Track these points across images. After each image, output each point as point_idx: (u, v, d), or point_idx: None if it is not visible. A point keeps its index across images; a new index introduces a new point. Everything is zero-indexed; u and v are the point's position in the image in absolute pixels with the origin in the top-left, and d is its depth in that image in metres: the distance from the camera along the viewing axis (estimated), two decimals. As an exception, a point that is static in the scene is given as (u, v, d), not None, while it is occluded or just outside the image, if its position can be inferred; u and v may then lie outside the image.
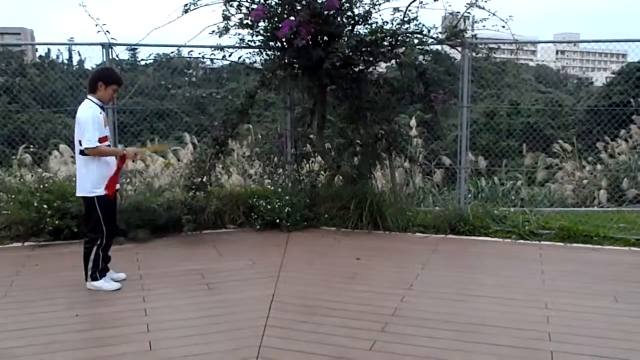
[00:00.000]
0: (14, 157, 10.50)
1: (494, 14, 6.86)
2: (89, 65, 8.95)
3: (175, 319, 4.68)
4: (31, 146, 10.97)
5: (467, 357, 3.96)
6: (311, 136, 8.08)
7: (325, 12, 6.91)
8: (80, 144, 5.09)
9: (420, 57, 7.43)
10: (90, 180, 5.13)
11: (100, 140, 5.10)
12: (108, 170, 5.19)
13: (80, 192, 5.25)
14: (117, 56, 7.44)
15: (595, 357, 3.95)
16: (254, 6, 7.03)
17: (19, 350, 4.12)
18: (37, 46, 58.20)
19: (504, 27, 6.83)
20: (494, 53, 7.55)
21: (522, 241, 7.02)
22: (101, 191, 5.15)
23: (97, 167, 5.12)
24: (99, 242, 5.22)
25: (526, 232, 7.13)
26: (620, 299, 5.10)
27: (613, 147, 11.50)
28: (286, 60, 7.23)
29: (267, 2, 7.04)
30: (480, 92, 20.49)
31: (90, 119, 5.04)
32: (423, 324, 4.55)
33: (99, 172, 5.13)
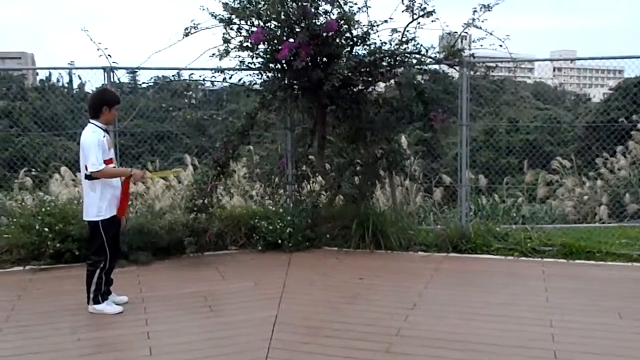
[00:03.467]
0: (15, 180, 10.52)
1: (490, 34, 6.93)
2: (89, 88, 8.98)
3: (178, 342, 4.67)
4: (32, 169, 11.00)
5: (473, 377, 3.95)
6: (311, 156, 8.10)
7: (324, 34, 6.97)
8: (86, 169, 5.12)
9: (419, 77, 7.47)
10: (95, 204, 5.15)
11: (105, 162, 5.12)
12: (112, 193, 5.21)
13: (86, 217, 5.26)
14: (118, 79, 7.49)
15: (601, 374, 3.93)
16: (254, 29, 7.08)
17: (21, 376, 4.11)
18: (37, 70, 58.59)
19: (501, 46, 6.90)
20: (492, 71, 7.60)
21: (524, 258, 7.01)
22: (106, 214, 5.16)
23: (102, 191, 5.14)
24: (102, 265, 5.22)
25: (528, 249, 7.12)
26: (625, 315, 5.08)
27: (612, 162, 11.52)
28: (286, 82, 7.27)
29: (267, 25, 7.09)
30: (479, 110, 20.62)
31: (94, 143, 5.07)
32: (427, 343, 4.53)
33: (103, 195, 5.15)
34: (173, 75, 8.62)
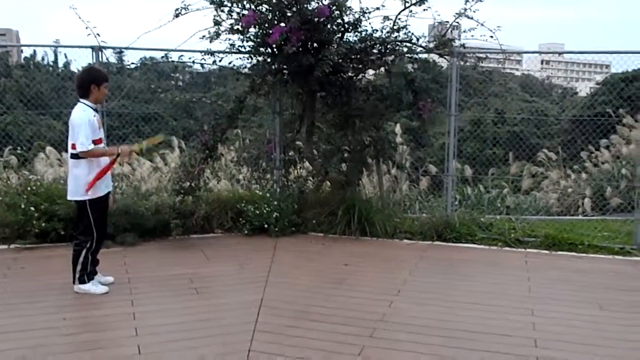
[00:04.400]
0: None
1: (482, 24, 6.97)
2: (75, 67, 8.89)
3: (164, 323, 4.69)
4: (17, 148, 10.90)
5: (455, 363, 4.01)
6: (299, 142, 8.11)
7: (316, 19, 6.95)
8: (74, 148, 5.09)
9: (409, 66, 7.49)
10: (82, 184, 5.12)
11: (95, 142, 5.10)
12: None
13: (72, 196, 5.24)
14: (107, 59, 7.44)
15: (580, 363, 4.01)
16: (245, 12, 7.05)
17: (6, 354, 4.10)
18: (23, 48, 57.81)
19: (492, 37, 6.93)
20: (482, 62, 7.64)
21: (507, 248, 7.09)
22: (94, 194, 5.14)
23: (89, 171, 5.12)
24: (88, 245, 5.21)
25: (512, 239, 7.21)
26: (605, 306, 5.18)
27: (597, 156, 11.65)
28: (276, 66, 7.26)
29: (258, 8, 7.07)
30: (467, 100, 20.67)
31: (84, 122, 5.04)
32: (411, 329, 4.59)
33: (90, 175, 5.12)
34: (162, 57, 8.53)
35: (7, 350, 4.15)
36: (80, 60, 7.89)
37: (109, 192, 5.42)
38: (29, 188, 7.02)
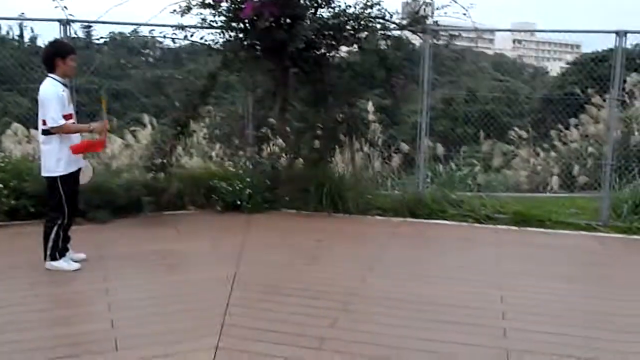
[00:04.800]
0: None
1: (455, 1, 6.99)
2: (42, 42, 8.69)
3: (137, 298, 4.68)
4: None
5: (426, 333, 4.08)
6: (272, 119, 8.09)
7: (289, -6, 6.91)
8: (44, 124, 5.01)
9: (382, 43, 7.50)
10: (53, 160, 5.06)
11: (65, 117, 5.02)
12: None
13: (43, 172, 5.17)
14: (75, 33, 7.30)
15: (548, 334, 4.11)
16: (218, -14, 6.97)
17: (-23, 330, 4.07)
18: (-13, 22, 56.14)
19: (465, 14, 6.96)
20: (454, 40, 7.68)
21: (478, 225, 7.22)
22: (65, 171, 5.08)
23: (60, 146, 5.05)
24: (59, 222, 5.16)
25: (482, 216, 7.33)
26: (572, 280, 5.31)
27: (566, 135, 11.84)
28: (249, 42, 7.20)
29: (231, -19, 6.99)
30: (439, 79, 20.77)
31: (53, 97, 4.95)
32: (383, 303, 4.65)
33: (61, 151, 5.05)
34: (132, 32, 8.39)
35: (-24, 327, 4.11)
36: (47, 35, 7.73)
37: (79, 169, 5.35)
38: (-4, 165, 6.90)
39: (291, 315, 4.35)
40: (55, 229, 5.16)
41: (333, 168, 8.03)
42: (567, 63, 33.05)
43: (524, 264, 5.77)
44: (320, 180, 7.53)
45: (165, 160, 7.20)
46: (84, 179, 5.41)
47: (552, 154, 11.46)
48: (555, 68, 40.78)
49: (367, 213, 7.49)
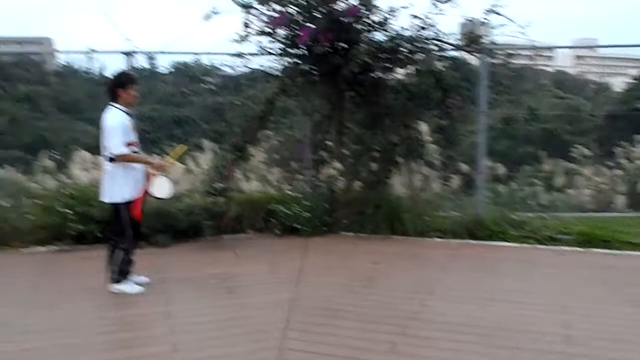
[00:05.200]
0: (36, 163, 10.68)
1: (511, 20, 6.90)
2: (109, 73, 9.05)
3: (197, 322, 4.75)
4: (53, 152, 11.16)
5: (487, 359, 3.98)
6: (329, 142, 8.14)
7: (344, 19, 6.98)
8: (108, 151, 5.20)
9: (438, 64, 7.46)
10: (117, 186, 5.23)
11: (128, 145, 5.21)
12: (134, 175, 5.29)
13: (107, 198, 5.35)
14: (138, 63, 7.58)
15: (616, 360, 3.96)
16: (274, 14, 7.11)
17: (43, 352, 4.21)
18: (57, 55, 58.81)
19: (522, 33, 6.85)
20: (512, 59, 7.57)
21: (540, 246, 7.02)
22: (128, 197, 5.24)
23: (124, 173, 5.22)
24: (123, 246, 5.32)
25: (544, 237, 7.13)
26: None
27: (632, 152, 11.44)
28: (305, 67, 7.30)
29: (287, 9, 7.12)
30: (498, 98, 20.45)
31: (116, 125, 5.15)
32: (443, 327, 4.57)
33: (125, 178, 5.23)
34: (195, 61, 8.65)
35: (44, 348, 4.26)
36: (114, 66, 8.04)
37: (142, 194, 5.50)
38: (64, 191, 7.18)
39: (349, 340, 4.32)
40: (119, 253, 5.32)
41: (390, 190, 7.98)
42: (632, 78, 31.98)
43: (589, 287, 5.57)
44: (378, 203, 7.51)
45: (224, 185, 7.33)
46: (161, 192, 5.50)
47: (617, 171, 11.07)
48: (618, 83, 39.52)
49: (425, 235, 7.41)
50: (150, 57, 8.72)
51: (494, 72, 7.86)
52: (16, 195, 8.37)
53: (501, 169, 10.66)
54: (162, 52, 7.68)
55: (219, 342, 4.34)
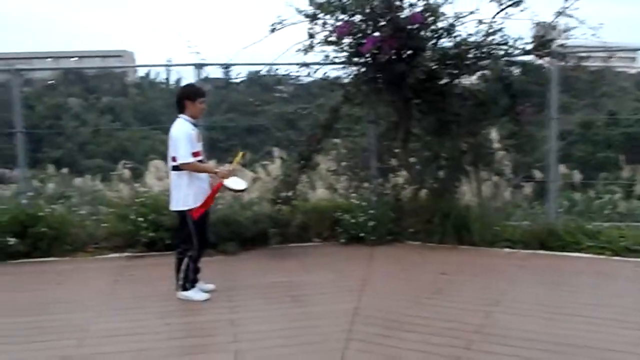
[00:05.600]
0: (114, 172, 11.14)
1: (582, 22, 6.64)
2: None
3: (261, 330, 4.81)
4: (130, 162, 11.61)
5: (554, 378, 3.84)
6: (396, 150, 8.07)
7: (409, 27, 6.92)
8: (174, 160, 5.36)
9: (506, 69, 7.26)
10: (182, 194, 5.38)
11: (194, 154, 5.34)
12: (199, 185, 5.42)
13: (173, 207, 5.51)
14: (206, 77, 7.77)
15: (695, 382, 3.72)
16: (339, 23, 7.13)
17: (112, 356, 4.38)
18: (137, 68, 61.36)
19: (593, 35, 6.58)
20: (586, 61, 7.28)
21: (617, 258, 6.69)
22: (193, 205, 5.38)
23: (189, 182, 5.36)
24: (190, 254, 5.45)
25: (621, 248, 6.78)
26: None
27: None
28: (370, 75, 7.28)
29: (351, 18, 7.13)
30: (576, 102, 19.73)
31: (183, 135, 5.29)
32: (509, 342, 4.43)
33: (190, 186, 5.36)
34: (267, 71, 8.79)
35: (114, 353, 4.42)
36: (189, 78, 8.21)
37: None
38: (137, 200, 7.44)
39: (411, 353, 4.27)
40: (186, 260, 5.46)
41: (458, 199, 7.83)
42: None
43: (670, 302, 5.27)
44: (445, 212, 7.37)
45: (290, 193, 7.39)
46: (237, 185, 5.58)
47: None
48: None
49: (494, 245, 7.20)
50: (226, 67, 8.92)
51: (569, 76, 7.58)
52: (94, 203, 8.77)
53: (577, 176, 10.24)
54: (230, 64, 7.85)
55: (281, 351, 4.38)
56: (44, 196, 8.81)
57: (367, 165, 8.21)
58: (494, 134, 8.17)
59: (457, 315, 5.01)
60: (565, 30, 7.00)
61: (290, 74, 8.10)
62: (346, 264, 6.76)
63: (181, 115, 5.43)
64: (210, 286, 5.76)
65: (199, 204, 5.40)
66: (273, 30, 7.31)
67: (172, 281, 5.61)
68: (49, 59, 64.17)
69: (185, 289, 5.51)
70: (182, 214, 5.43)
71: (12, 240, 6.95)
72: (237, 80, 10.14)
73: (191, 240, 5.44)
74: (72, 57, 66.33)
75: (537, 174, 9.49)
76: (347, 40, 7.22)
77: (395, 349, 4.34)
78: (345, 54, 7.35)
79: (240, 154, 5.77)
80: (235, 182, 5.58)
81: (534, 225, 7.37)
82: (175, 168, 5.37)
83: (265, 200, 8.03)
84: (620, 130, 19.72)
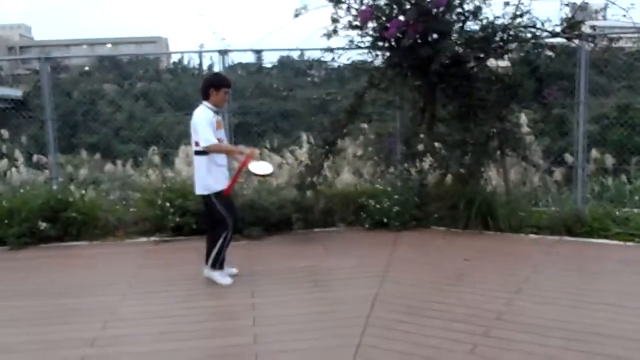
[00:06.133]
0: (145, 157, 11.33)
1: (613, 3, 6.47)
2: (217, 69, 9.36)
3: (280, 314, 4.85)
4: (161, 148, 11.78)
5: (573, 366, 3.79)
6: (421, 135, 8.00)
7: (434, 10, 6.83)
8: (197, 145, 5.42)
9: (534, 52, 7.12)
10: (203, 179, 5.45)
11: None
12: (218, 169, 5.48)
13: (197, 191, 5.58)
14: (232, 61, 7.82)
15: None
16: (363, 7, 7.08)
17: (137, 338, 4.49)
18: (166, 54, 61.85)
19: (624, 16, 6.41)
20: (616, 43, 7.09)
21: (645, 245, 6.56)
22: (214, 188, 5.43)
23: (208, 168, 5.42)
24: (224, 235, 5.52)
25: (651, 235, 6.64)
26: None
27: None
28: (395, 60, 7.22)
29: (376, 2, 7.06)
30: (611, 84, 19.21)
31: (203, 120, 5.36)
32: (528, 329, 4.38)
33: (210, 172, 5.42)
34: (297, 56, 8.76)
35: (139, 335, 4.54)
36: (220, 64, 8.21)
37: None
38: (165, 185, 7.56)
39: (429, 339, 4.26)
40: (221, 241, 5.53)
41: (484, 184, 7.74)
42: None
43: (699, 291, 5.14)
44: (470, 197, 7.30)
45: (314, 179, 7.41)
46: (262, 170, 5.57)
47: None
48: None
49: (520, 231, 7.12)
50: (258, 52, 8.94)
51: (600, 58, 7.40)
52: (124, 188, 8.94)
53: (610, 160, 10.02)
54: (254, 50, 7.88)
55: (299, 336, 4.42)
56: (76, 182, 9.01)
57: (393, 151, 8.16)
58: (523, 118, 8.04)
59: (478, 302, 4.97)
60: (595, 11, 6.82)
61: (321, 58, 8.08)
62: (369, 249, 6.77)
63: (204, 102, 5.49)
64: (234, 270, 5.83)
65: (220, 188, 5.45)
66: (297, 15, 7.30)
67: (196, 266, 5.70)
68: (85, 46, 65.24)
69: (215, 267, 5.59)
70: (206, 197, 5.49)
71: (43, 225, 7.13)
72: (269, 65, 10.16)
73: (224, 222, 5.49)
74: (107, 43, 67.31)
75: (569, 159, 9.32)
76: (371, 25, 7.17)
77: (414, 334, 4.34)
78: (369, 38, 7.31)
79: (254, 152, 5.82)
80: (260, 167, 5.62)
81: (561, 211, 7.25)
82: (197, 153, 5.44)
83: (291, 185, 8.07)
84: (659, 114, 19.15)
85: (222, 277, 5.63)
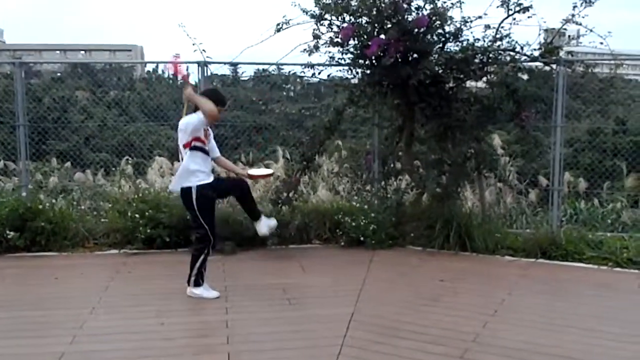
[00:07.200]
0: (117, 167, 11.13)
1: (591, 30, 6.57)
2: (192, 80, 9.27)
3: (255, 332, 4.76)
4: (133, 157, 11.58)
5: (549, 391, 3.78)
6: (399, 153, 8.01)
7: (415, 30, 6.86)
8: (185, 148, 5.33)
9: (512, 75, 7.19)
10: (185, 174, 5.37)
11: (196, 139, 5.35)
12: (204, 163, 5.43)
13: (178, 185, 5.44)
14: (211, 73, 7.73)
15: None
16: (345, 25, 7.08)
17: (107, 354, 4.36)
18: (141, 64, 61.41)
19: (602, 43, 6.51)
20: (594, 69, 7.21)
21: (619, 269, 6.60)
22: (198, 181, 5.35)
23: (195, 159, 5.38)
24: (206, 251, 5.43)
25: (624, 259, 6.69)
26: None
27: None
28: (375, 78, 7.22)
29: (358, 20, 7.07)
30: (584, 109, 19.60)
31: (194, 120, 5.29)
32: (504, 352, 4.37)
33: (193, 174, 5.36)
34: (273, 70, 8.73)
35: (108, 351, 4.40)
36: (199, 75, 8.08)
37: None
38: (137, 196, 7.41)
39: (404, 360, 4.21)
40: (202, 258, 5.43)
41: (461, 204, 7.76)
42: None
43: (672, 316, 5.19)
44: (447, 217, 7.30)
45: (290, 194, 7.34)
46: (262, 172, 5.94)
47: None
48: None
49: (496, 252, 7.13)
50: (234, 65, 8.88)
51: (576, 83, 7.51)
52: (95, 198, 8.76)
53: (583, 184, 10.15)
54: (235, 63, 7.81)
55: (274, 355, 4.34)
56: (45, 190, 8.81)
57: (370, 168, 8.16)
58: (497, 140, 8.10)
59: (453, 323, 4.95)
60: (573, 38, 6.93)
61: (294, 73, 8.08)
62: (345, 267, 6.71)
63: (197, 112, 5.39)
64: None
65: (201, 183, 5.36)
66: (279, 30, 7.28)
67: (169, 279, 5.60)
68: (58, 52, 64.43)
69: (197, 285, 5.48)
70: (195, 212, 5.38)
71: (10, 234, 6.93)
72: (245, 78, 10.10)
73: (207, 237, 5.40)
74: (80, 50, 66.57)
75: (543, 181, 9.43)
76: (352, 42, 7.18)
77: (389, 355, 4.29)
78: (350, 55, 7.31)
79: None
80: (260, 170, 5.94)
81: (536, 234, 7.29)
82: (192, 148, 5.36)
83: (266, 200, 7.99)
84: (629, 139, 19.55)
85: (207, 292, 5.53)
